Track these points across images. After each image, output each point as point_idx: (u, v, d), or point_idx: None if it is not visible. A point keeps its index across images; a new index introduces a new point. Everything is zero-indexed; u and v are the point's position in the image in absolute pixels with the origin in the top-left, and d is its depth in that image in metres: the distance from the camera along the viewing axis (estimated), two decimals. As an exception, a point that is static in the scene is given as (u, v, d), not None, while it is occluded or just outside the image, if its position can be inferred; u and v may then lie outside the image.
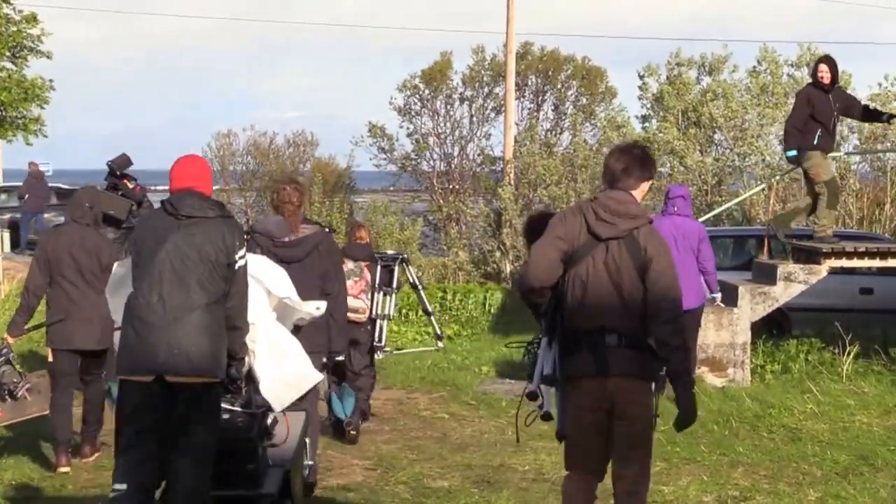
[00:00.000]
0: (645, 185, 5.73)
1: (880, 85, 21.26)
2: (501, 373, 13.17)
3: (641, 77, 24.96)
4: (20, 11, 21.14)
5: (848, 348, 12.35)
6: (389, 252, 11.14)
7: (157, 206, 6.45)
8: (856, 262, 12.41)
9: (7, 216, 26.46)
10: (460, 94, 28.71)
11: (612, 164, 5.73)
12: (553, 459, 8.71)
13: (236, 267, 5.99)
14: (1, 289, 19.29)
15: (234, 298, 6.02)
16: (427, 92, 28.52)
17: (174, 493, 5.90)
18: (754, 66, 23.55)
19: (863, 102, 13.38)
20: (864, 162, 22.06)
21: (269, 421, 6.41)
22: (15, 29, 20.96)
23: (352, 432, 9.52)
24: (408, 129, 28.52)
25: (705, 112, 22.92)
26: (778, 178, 19.22)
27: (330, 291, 7.79)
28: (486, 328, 17.93)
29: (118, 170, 9.78)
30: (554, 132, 28.69)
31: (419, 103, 28.62)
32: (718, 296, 11.64)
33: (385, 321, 10.18)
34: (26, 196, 25.34)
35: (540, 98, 29.45)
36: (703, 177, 22.33)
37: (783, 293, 12.22)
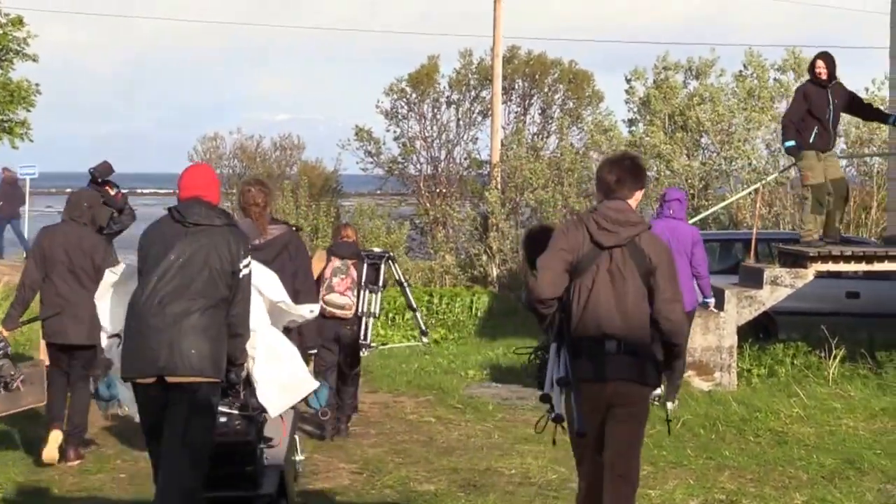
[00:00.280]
0: (639, 194, 5.91)
1: (867, 90, 21.28)
2: (488, 377, 13.16)
3: (628, 81, 25.02)
4: (6, 15, 21.12)
5: (834, 352, 12.35)
6: (376, 250, 11.10)
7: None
8: (842, 266, 12.39)
9: None
10: (447, 97, 28.73)
11: (605, 176, 5.89)
12: (539, 463, 8.70)
13: (241, 275, 6.09)
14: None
15: (237, 306, 6.11)
16: (414, 95, 28.52)
17: (170, 491, 5.94)
18: (741, 70, 23.66)
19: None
20: (850, 166, 22.12)
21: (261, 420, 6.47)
22: (1, 32, 20.92)
23: (323, 418, 9.40)
24: (395, 132, 28.58)
25: (692, 116, 22.98)
26: (765, 182, 19.27)
27: (300, 288, 7.82)
28: (472, 332, 17.91)
29: (100, 177, 9.78)
30: (541, 136, 28.72)
31: (406, 107, 28.65)
32: (712, 301, 11.45)
33: (371, 319, 10.18)
34: (0, 203, 25.10)
35: (527, 102, 29.49)
36: (689, 181, 22.38)
37: (770, 297, 12.22)
